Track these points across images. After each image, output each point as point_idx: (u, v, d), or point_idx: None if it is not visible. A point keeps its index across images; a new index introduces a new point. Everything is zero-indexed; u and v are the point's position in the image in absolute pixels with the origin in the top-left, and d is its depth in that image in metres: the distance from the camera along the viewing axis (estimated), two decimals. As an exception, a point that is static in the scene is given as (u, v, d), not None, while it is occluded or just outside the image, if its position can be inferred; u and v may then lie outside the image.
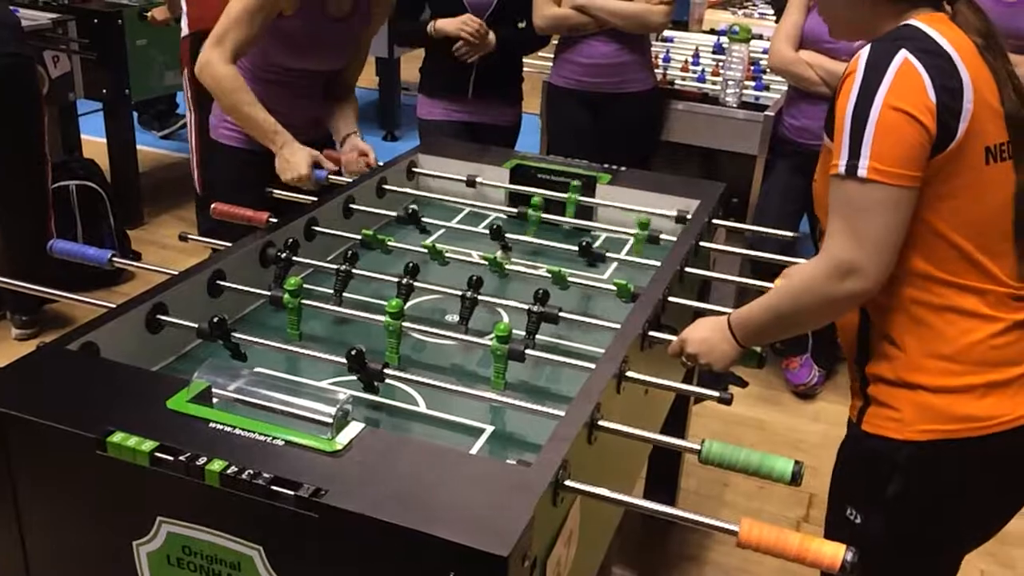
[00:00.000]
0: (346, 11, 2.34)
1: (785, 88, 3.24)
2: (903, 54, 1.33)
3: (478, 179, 2.31)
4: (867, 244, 1.31)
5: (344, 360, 1.42)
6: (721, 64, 3.41)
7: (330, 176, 2.20)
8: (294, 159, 2.16)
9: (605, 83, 3.07)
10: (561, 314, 1.61)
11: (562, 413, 1.30)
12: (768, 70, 3.39)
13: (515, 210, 2.17)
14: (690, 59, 3.78)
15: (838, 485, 1.57)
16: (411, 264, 1.74)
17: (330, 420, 1.17)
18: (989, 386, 1.40)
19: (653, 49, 3.43)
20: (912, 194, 1.32)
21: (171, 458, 1.11)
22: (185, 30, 3.59)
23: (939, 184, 1.35)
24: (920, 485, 1.44)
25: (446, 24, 2.89)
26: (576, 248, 1.95)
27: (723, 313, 1.56)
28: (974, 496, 1.47)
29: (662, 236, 2.07)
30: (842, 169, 1.33)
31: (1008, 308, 1.41)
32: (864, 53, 1.36)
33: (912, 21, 1.39)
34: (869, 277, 1.32)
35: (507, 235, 2.03)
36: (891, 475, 1.43)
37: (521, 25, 3.04)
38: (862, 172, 1.31)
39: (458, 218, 2.24)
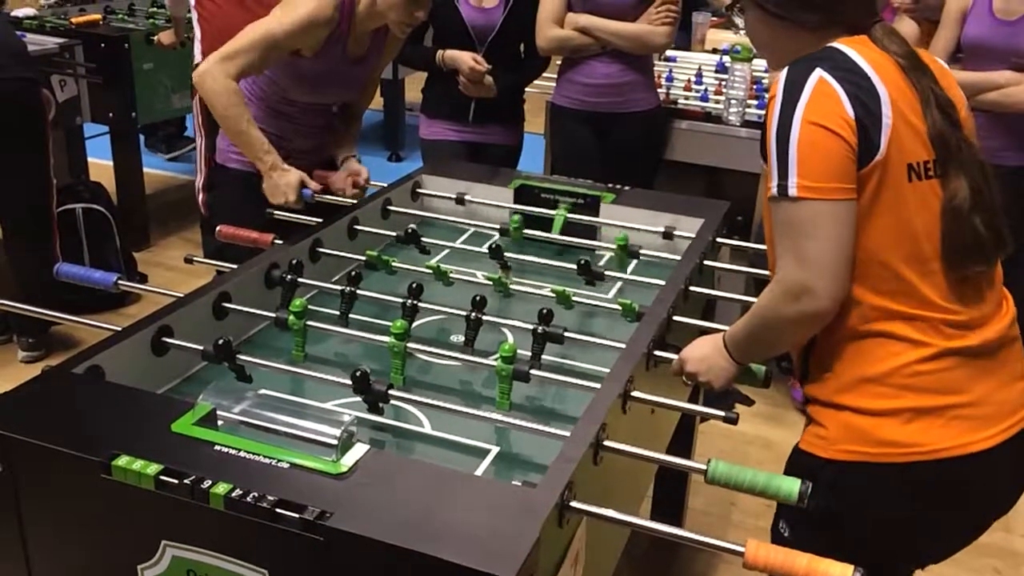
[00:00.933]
0: (365, 51, 2.36)
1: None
2: (818, 72, 1.34)
3: (482, 200, 2.31)
4: (812, 264, 1.31)
5: (349, 381, 1.42)
6: (724, 83, 3.42)
7: (316, 195, 2.20)
8: (283, 182, 2.17)
9: (608, 103, 3.07)
10: (566, 334, 1.61)
11: (567, 433, 1.30)
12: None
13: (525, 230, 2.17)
14: (693, 78, 3.79)
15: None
16: (415, 284, 1.74)
17: (335, 442, 1.17)
18: (915, 412, 1.37)
19: (656, 68, 3.44)
20: (847, 206, 1.32)
21: (176, 481, 1.11)
22: (198, 58, 3.61)
23: (864, 201, 1.34)
24: (840, 504, 1.42)
25: (455, 60, 2.89)
26: (575, 266, 1.95)
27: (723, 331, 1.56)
28: (900, 522, 1.43)
29: (665, 255, 2.08)
30: (775, 191, 1.34)
31: (940, 335, 1.38)
32: (782, 75, 1.37)
33: (832, 43, 1.41)
34: (822, 296, 1.32)
35: (506, 254, 2.03)
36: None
37: (521, 47, 3.05)
38: (792, 191, 1.31)
39: (462, 238, 2.25)
